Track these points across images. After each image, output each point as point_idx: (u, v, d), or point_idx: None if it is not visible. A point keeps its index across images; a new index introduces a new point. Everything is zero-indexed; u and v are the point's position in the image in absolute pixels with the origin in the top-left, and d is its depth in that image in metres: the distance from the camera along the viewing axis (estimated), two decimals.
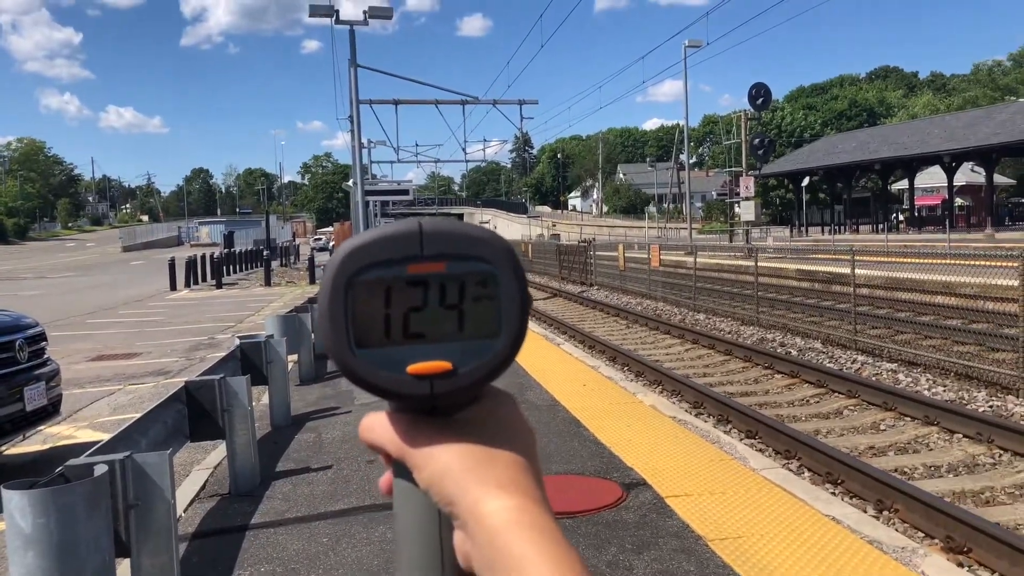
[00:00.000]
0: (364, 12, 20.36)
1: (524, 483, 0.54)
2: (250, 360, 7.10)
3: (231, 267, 38.27)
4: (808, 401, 9.20)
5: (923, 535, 5.13)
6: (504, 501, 0.52)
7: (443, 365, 0.55)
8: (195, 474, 6.19)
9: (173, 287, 29.30)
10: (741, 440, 6.91)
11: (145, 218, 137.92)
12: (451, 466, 0.54)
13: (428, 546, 0.57)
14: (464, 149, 35.68)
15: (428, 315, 0.56)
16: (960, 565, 4.41)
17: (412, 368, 0.55)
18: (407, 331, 0.56)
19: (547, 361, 9.93)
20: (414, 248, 0.56)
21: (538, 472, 0.57)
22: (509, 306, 0.57)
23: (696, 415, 7.86)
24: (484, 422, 0.58)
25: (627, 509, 4.87)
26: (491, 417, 0.58)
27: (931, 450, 7.10)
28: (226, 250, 41.42)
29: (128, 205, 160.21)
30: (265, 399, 7.67)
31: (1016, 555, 4.56)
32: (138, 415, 4.42)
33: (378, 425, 0.59)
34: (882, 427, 7.87)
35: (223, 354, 7.02)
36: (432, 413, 0.58)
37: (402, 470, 0.58)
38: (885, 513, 5.45)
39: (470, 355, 0.56)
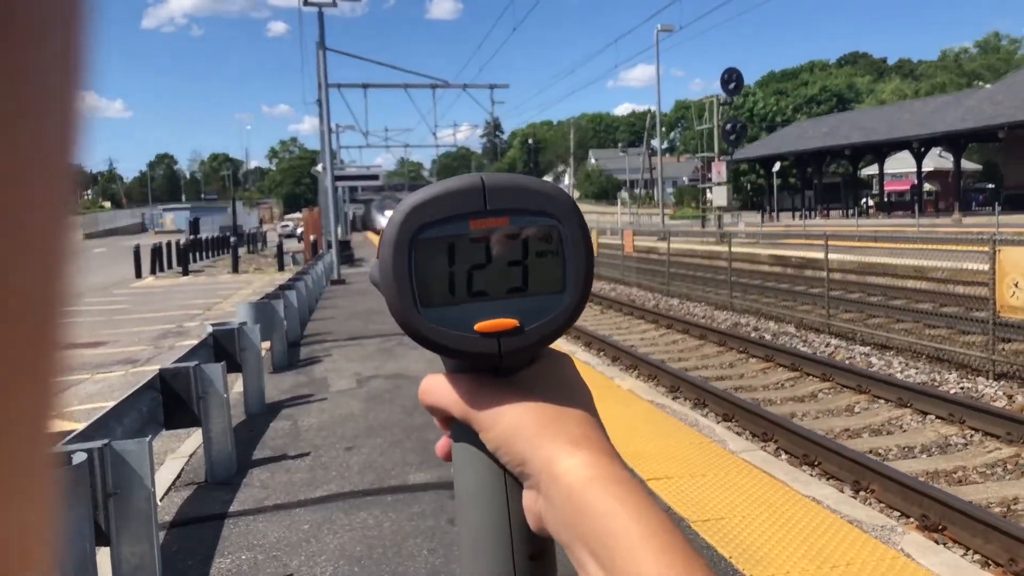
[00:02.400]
0: None
1: (596, 438, 0.53)
2: (223, 347, 6.99)
3: (197, 254, 37.76)
4: (783, 384, 9.30)
5: (899, 514, 5.20)
6: (580, 457, 0.51)
7: (510, 323, 0.54)
8: (170, 463, 6.09)
9: (138, 275, 28.83)
10: (719, 423, 6.96)
11: (107, 204, 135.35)
12: (521, 425, 0.53)
13: (494, 509, 0.55)
14: (434, 134, 35.54)
15: (493, 271, 0.55)
16: (936, 542, 4.48)
17: (480, 326, 0.54)
18: (471, 289, 0.55)
19: None
20: (477, 203, 0.54)
21: (603, 427, 0.56)
22: (574, 261, 0.56)
23: (673, 399, 7.90)
24: (547, 380, 0.56)
25: None
26: (553, 375, 0.57)
27: (904, 431, 7.21)
28: (192, 237, 40.81)
29: (89, 191, 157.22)
30: (238, 387, 7.56)
31: (989, 532, 4.65)
32: (111, 403, 4.32)
33: (439, 387, 0.57)
34: (856, 409, 7.98)
35: (193, 342, 6.91)
36: (494, 373, 0.56)
37: (464, 433, 0.56)
38: (862, 493, 5.52)
39: (536, 312, 0.55)
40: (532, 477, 0.52)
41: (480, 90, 29.62)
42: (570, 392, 0.56)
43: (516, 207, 0.55)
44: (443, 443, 0.60)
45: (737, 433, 6.67)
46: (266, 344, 8.94)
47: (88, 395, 9.39)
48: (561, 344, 10.49)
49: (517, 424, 0.53)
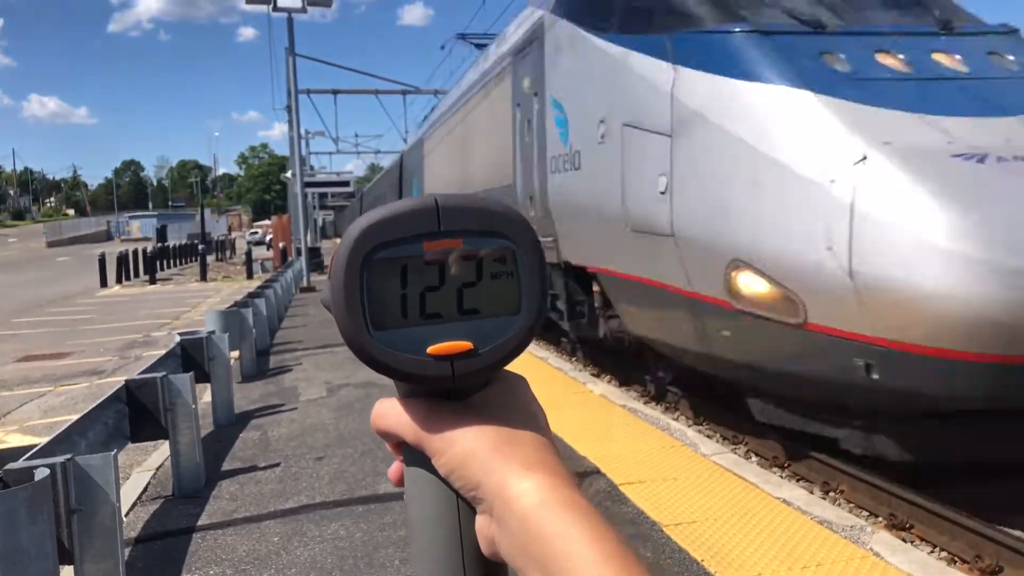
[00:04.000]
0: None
1: (550, 462, 0.53)
2: (191, 357, 6.89)
3: (165, 262, 37.23)
4: None
5: (868, 514, 5.26)
6: (533, 481, 0.51)
7: (464, 345, 0.54)
8: (136, 476, 5.99)
9: (104, 284, 28.35)
10: (690, 426, 6.99)
11: (71, 212, 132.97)
12: (474, 449, 0.53)
13: (446, 533, 0.55)
14: (405, 140, 35.32)
15: (446, 293, 0.54)
16: (904, 540, 4.53)
17: (433, 349, 0.53)
18: (424, 311, 0.54)
19: None
20: (431, 224, 0.53)
21: (556, 450, 0.56)
22: (529, 282, 0.56)
23: (645, 403, 7.93)
24: (501, 403, 0.56)
25: None
26: (507, 398, 0.57)
27: None
28: (159, 245, 40.24)
29: (53, 199, 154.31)
30: (207, 397, 7.46)
31: (955, 529, 4.73)
32: (75, 416, 4.23)
33: (392, 412, 0.57)
34: None
35: (160, 352, 6.80)
36: (447, 396, 0.56)
37: (417, 457, 0.56)
38: (832, 494, 5.57)
39: (490, 334, 0.55)
40: (485, 501, 0.52)
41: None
42: (524, 415, 0.56)
43: (471, 228, 0.54)
44: (395, 468, 0.59)
45: (708, 436, 6.71)
46: (235, 353, 8.83)
47: (51, 408, 9.21)
48: (533, 348, 10.50)
49: (470, 448, 0.53)
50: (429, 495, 0.56)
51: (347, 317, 0.53)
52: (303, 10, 19.77)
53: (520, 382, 0.59)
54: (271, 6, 19.61)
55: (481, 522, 0.53)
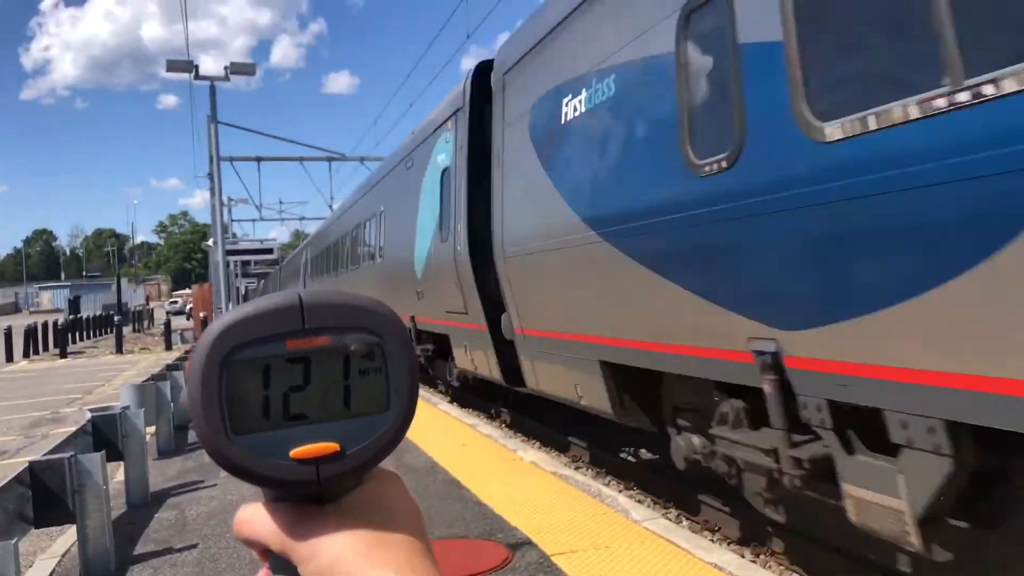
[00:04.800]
0: (225, 68, 19.85)
1: (420, 566, 0.52)
2: (103, 434, 6.58)
3: (77, 334, 35.75)
4: None
5: (798, 574, 5.30)
6: None
7: (329, 447, 0.52)
8: (40, 563, 5.60)
9: (9, 359, 26.98)
10: (621, 492, 6.98)
11: None
12: (342, 556, 0.50)
13: None
14: (331, 206, 35.22)
15: (311, 393, 0.52)
16: None
17: (295, 452, 0.51)
18: (288, 412, 0.52)
19: (423, 420, 9.74)
20: (294, 322, 0.52)
21: (431, 552, 0.54)
22: (398, 378, 0.54)
23: (576, 469, 7.89)
24: (372, 505, 0.54)
25: (513, 571, 4.78)
26: (379, 499, 0.55)
27: None
28: (71, 316, 38.66)
29: None
30: (120, 476, 7.09)
31: None
32: None
33: (256, 519, 0.54)
34: None
35: (70, 429, 6.47)
36: (316, 499, 0.54)
37: (283, 566, 0.53)
38: (762, 556, 5.61)
39: (358, 434, 0.53)
40: None
41: (378, 162, 29.71)
42: (397, 516, 0.55)
43: (336, 324, 0.53)
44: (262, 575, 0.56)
45: (639, 501, 6.70)
46: (151, 429, 8.46)
47: None
48: (461, 416, 10.39)
49: (337, 555, 0.51)
50: None
51: (204, 421, 0.50)
52: (225, 79, 19.71)
53: (394, 481, 0.58)
54: (193, 75, 19.50)
55: None
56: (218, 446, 0.51)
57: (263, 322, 0.51)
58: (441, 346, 11.85)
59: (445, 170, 10.39)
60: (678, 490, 7.08)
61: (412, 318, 12.40)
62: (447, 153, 10.32)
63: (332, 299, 0.53)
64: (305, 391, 0.52)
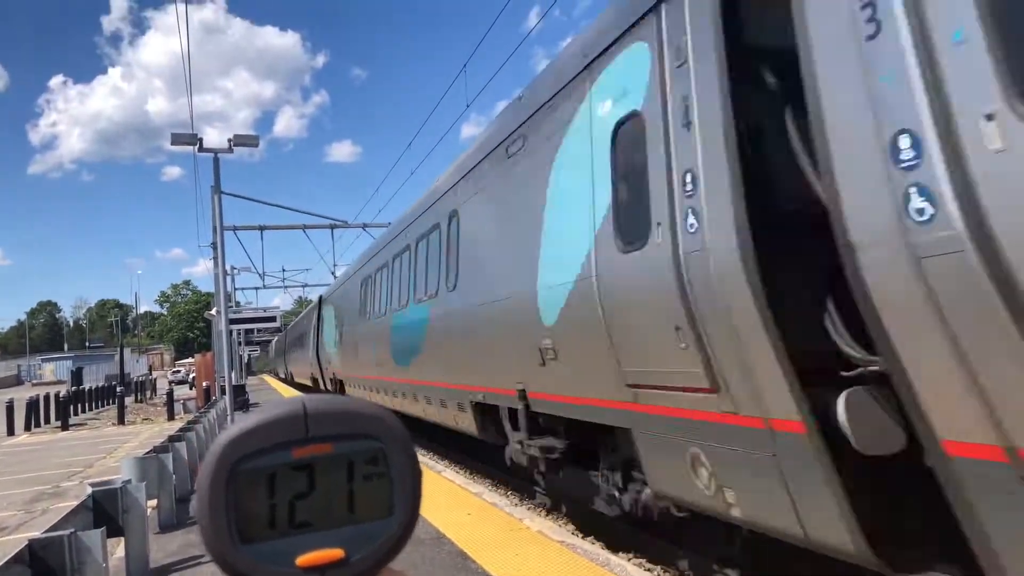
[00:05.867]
0: (229, 140, 20.12)
1: None
2: (104, 509, 6.49)
3: (80, 406, 35.49)
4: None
5: None
6: None
7: (334, 554, 0.53)
8: None
9: (11, 432, 26.79)
10: (630, 560, 6.84)
11: None
12: None
13: None
14: (333, 273, 35.44)
15: (316, 500, 0.54)
16: None
17: (302, 560, 0.52)
18: (294, 520, 0.53)
19: (428, 489, 9.57)
20: (299, 431, 0.53)
21: None
22: (401, 482, 0.56)
23: (583, 537, 7.75)
24: None
25: None
26: None
27: None
28: (74, 388, 38.48)
29: None
30: (121, 551, 6.98)
31: None
32: None
33: None
34: None
35: (71, 504, 6.39)
36: None
37: None
38: None
39: (363, 539, 0.54)
40: None
41: (380, 229, 29.99)
42: None
43: (340, 432, 0.54)
44: None
45: (648, 571, 6.57)
46: (153, 502, 8.35)
47: None
48: (467, 484, 10.25)
49: None
50: None
51: (211, 531, 0.52)
52: (229, 150, 20.02)
53: None
54: (197, 147, 19.82)
55: None
56: (224, 556, 0.52)
57: (268, 432, 0.53)
58: (585, 443, 7.11)
59: (624, 121, 5.37)
60: (681, 554, 6.95)
61: (522, 391, 7.61)
62: (631, 91, 5.24)
63: (335, 406, 0.55)
64: (310, 498, 0.53)
